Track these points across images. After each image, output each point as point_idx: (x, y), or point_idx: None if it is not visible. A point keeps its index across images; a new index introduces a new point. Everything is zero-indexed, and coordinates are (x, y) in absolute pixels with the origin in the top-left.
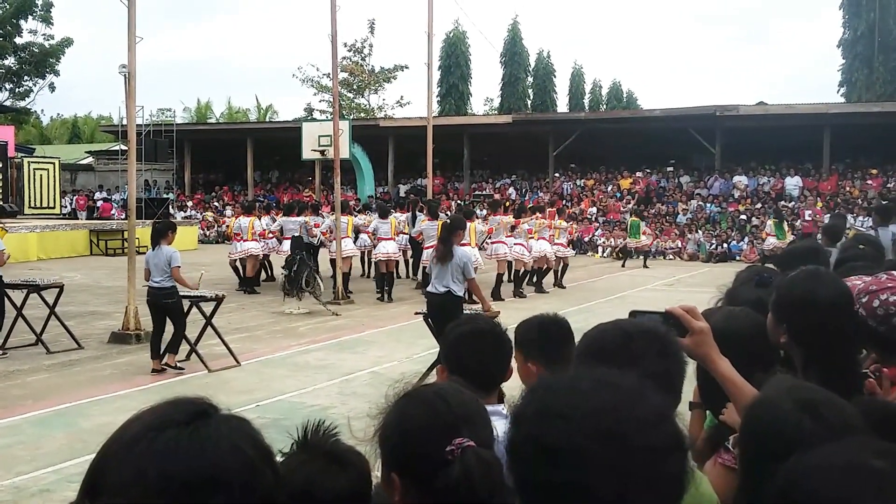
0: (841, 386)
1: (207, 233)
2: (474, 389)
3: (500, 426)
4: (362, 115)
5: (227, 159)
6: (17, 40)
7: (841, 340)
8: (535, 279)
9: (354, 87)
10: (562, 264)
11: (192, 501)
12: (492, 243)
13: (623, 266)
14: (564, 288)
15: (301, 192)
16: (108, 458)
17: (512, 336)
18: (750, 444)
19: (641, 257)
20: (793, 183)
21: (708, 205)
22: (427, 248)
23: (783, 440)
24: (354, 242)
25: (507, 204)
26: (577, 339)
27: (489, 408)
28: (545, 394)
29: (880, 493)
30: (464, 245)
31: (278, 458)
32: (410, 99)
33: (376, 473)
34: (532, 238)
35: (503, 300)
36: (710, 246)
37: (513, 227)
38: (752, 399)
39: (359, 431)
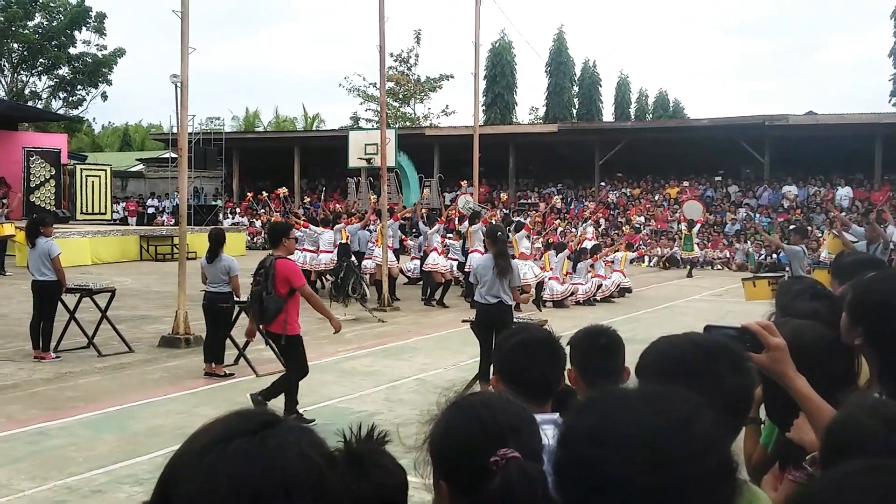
0: None
1: (255, 239)
2: (529, 398)
3: (552, 435)
4: (408, 123)
5: (275, 167)
6: (72, 50)
7: None
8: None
9: (400, 96)
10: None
11: None
12: (471, 251)
13: (689, 275)
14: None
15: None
16: (179, 469)
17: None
18: (834, 463)
19: (688, 267)
20: (843, 193)
21: (757, 215)
22: (430, 251)
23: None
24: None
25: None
26: (624, 349)
27: (543, 416)
28: (594, 417)
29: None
30: (523, 256)
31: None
32: (455, 108)
33: (426, 482)
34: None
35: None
36: (759, 256)
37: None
38: (833, 417)
39: (407, 438)
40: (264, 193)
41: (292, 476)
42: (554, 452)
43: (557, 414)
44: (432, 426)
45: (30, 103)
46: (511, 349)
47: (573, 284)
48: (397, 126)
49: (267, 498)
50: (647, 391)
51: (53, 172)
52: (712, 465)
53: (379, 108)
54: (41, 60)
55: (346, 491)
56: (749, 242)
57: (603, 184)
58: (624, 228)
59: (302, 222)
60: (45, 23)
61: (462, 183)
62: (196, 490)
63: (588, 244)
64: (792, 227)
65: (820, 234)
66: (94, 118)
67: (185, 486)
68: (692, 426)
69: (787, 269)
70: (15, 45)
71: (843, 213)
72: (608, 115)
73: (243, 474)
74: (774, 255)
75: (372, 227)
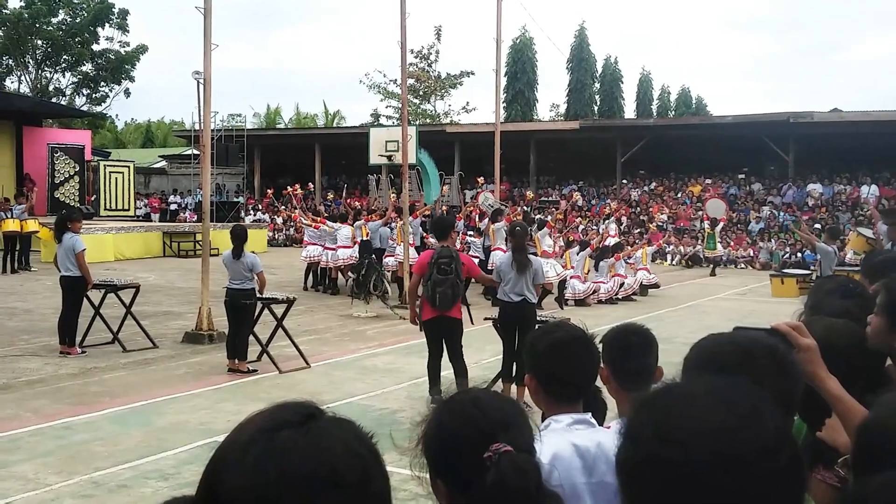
0: None
1: (276, 235)
2: (561, 398)
3: (584, 435)
4: (428, 120)
5: (296, 164)
6: (95, 47)
7: None
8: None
9: (420, 93)
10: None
11: (311, 502)
12: (493, 250)
13: (713, 274)
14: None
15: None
16: (225, 461)
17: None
18: (865, 466)
19: (711, 265)
20: (871, 192)
21: (781, 213)
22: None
23: None
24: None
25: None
26: (657, 347)
27: (575, 416)
28: (661, 414)
29: None
30: (545, 254)
31: None
32: (476, 105)
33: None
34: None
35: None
36: (784, 255)
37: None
38: (864, 419)
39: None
40: (288, 189)
41: (340, 469)
42: (618, 451)
43: (590, 413)
44: (423, 427)
45: (54, 100)
46: (547, 348)
47: (595, 283)
48: (418, 123)
49: (315, 490)
50: (709, 385)
51: (77, 169)
52: (784, 460)
53: (399, 105)
54: (65, 57)
55: (388, 486)
56: (773, 241)
57: (625, 181)
58: (649, 224)
59: (320, 220)
60: (69, 19)
61: (478, 180)
62: (244, 483)
63: (610, 241)
64: (817, 225)
65: (846, 233)
66: (116, 115)
67: (233, 478)
68: (761, 420)
69: (812, 267)
70: (39, 42)
71: (868, 212)
72: (630, 112)
73: (291, 466)
74: (799, 254)
75: (393, 224)
